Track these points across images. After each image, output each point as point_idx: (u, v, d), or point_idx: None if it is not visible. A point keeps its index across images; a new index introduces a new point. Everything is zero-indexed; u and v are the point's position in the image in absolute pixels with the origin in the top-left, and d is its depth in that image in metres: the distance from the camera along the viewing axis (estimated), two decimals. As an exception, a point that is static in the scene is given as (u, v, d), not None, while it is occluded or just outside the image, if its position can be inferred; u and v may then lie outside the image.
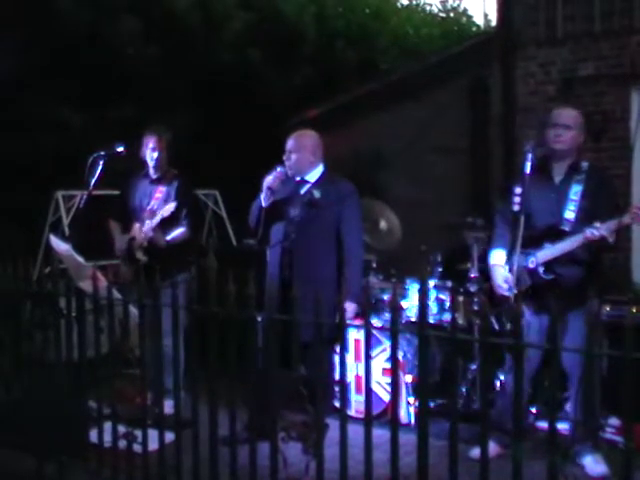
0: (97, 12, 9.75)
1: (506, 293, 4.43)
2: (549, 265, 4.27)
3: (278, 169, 4.82)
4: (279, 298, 4.66)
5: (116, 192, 5.85)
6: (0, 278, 4.34)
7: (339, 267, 4.81)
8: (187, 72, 10.29)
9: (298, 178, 4.93)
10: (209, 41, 10.74)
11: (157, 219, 5.25)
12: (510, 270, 4.36)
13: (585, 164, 4.42)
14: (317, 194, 4.81)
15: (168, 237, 5.33)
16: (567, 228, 4.28)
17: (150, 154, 5.48)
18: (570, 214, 4.31)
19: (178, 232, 5.36)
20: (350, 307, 4.61)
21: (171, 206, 5.21)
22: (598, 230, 4.01)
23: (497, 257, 4.57)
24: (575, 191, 4.33)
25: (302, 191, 4.92)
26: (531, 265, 4.36)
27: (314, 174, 4.94)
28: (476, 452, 4.07)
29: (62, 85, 9.30)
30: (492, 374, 5.18)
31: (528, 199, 4.36)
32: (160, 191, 5.47)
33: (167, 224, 5.30)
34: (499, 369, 5.22)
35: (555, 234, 4.27)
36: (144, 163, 5.56)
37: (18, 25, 9.04)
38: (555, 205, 4.36)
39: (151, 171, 5.54)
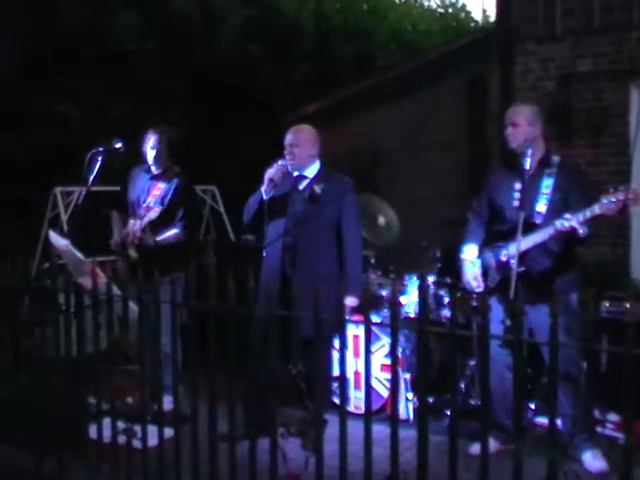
0: (96, 8, 9.73)
1: (476, 289, 4.57)
2: (520, 257, 4.29)
3: (280, 162, 4.82)
4: (280, 294, 4.64)
5: (115, 188, 5.84)
6: (-1, 274, 4.34)
7: (339, 262, 4.81)
8: (186, 68, 10.28)
9: (296, 173, 4.93)
10: (208, 37, 10.73)
11: (145, 220, 5.24)
12: (486, 264, 4.50)
13: (556, 158, 4.48)
14: (318, 189, 4.81)
15: (159, 237, 5.30)
16: (538, 221, 4.34)
17: (150, 151, 5.48)
18: (542, 207, 4.37)
19: (170, 233, 5.33)
20: (352, 302, 4.61)
21: (156, 210, 5.21)
22: (568, 221, 4.06)
23: (468, 252, 4.67)
24: (546, 184, 4.39)
25: (301, 187, 4.92)
26: (503, 258, 4.43)
27: (312, 169, 4.94)
28: (475, 448, 4.09)
29: (61, 81, 9.29)
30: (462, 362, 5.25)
31: (497, 193, 4.54)
32: (158, 188, 5.46)
33: (159, 224, 5.29)
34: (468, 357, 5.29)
35: (527, 227, 4.29)
36: (146, 159, 5.57)
37: (18, 21, 9.02)
38: (526, 198, 4.40)
39: (152, 167, 5.55)
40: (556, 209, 4.28)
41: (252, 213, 4.92)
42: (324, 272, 4.62)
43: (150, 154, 5.48)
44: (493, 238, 4.58)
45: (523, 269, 4.28)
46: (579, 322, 4.16)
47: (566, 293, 4.29)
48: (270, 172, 4.79)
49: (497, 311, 4.20)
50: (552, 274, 4.34)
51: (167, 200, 5.33)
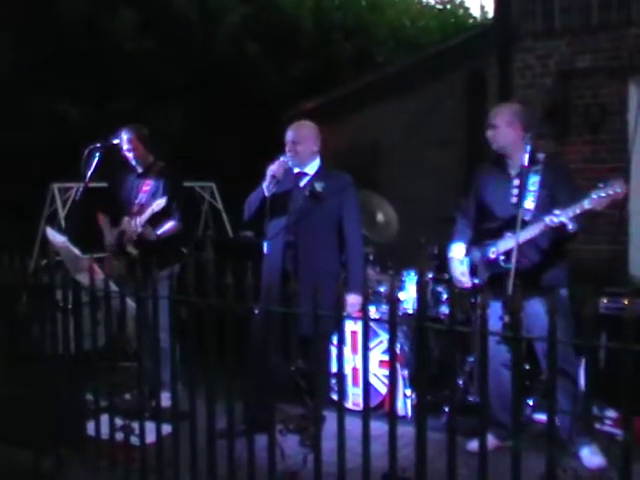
0: (95, 6, 9.72)
1: (465, 285, 4.62)
2: (509, 254, 4.30)
3: (281, 158, 4.80)
4: (281, 291, 4.63)
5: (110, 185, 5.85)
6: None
7: (340, 259, 4.81)
8: (185, 65, 10.27)
9: (297, 170, 4.92)
10: (207, 34, 10.72)
11: (147, 214, 5.24)
12: (490, 259, 4.50)
13: (541, 155, 4.48)
14: (319, 186, 4.79)
15: (159, 231, 5.31)
16: (527, 217, 4.33)
17: (127, 153, 5.52)
18: (529, 204, 4.37)
19: (169, 226, 5.35)
20: (356, 299, 4.60)
21: (162, 201, 5.20)
22: (557, 217, 4.06)
23: (456, 250, 4.71)
24: (533, 181, 4.40)
25: (302, 184, 4.91)
26: (492, 255, 4.45)
27: (312, 166, 4.93)
28: (473, 445, 4.09)
29: (59, 78, 9.28)
30: (460, 359, 5.25)
31: (486, 192, 4.58)
32: (147, 184, 5.47)
33: (157, 218, 5.29)
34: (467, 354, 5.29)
35: (515, 224, 4.29)
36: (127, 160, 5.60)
37: (17, 19, 9.01)
38: (514, 196, 4.42)
39: (136, 167, 5.57)
40: (544, 205, 4.29)
41: (253, 209, 4.90)
42: (325, 269, 4.60)
43: (129, 156, 5.51)
44: (481, 236, 4.60)
45: (511, 266, 4.29)
46: (568, 317, 4.18)
47: (556, 288, 4.29)
48: (272, 168, 4.77)
49: (494, 308, 4.21)
50: (541, 269, 4.37)
51: (159, 195, 5.33)
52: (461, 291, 4.83)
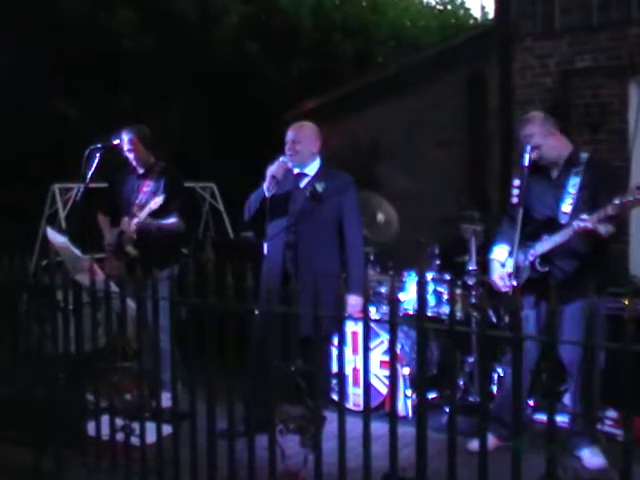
0: (94, 5, 9.72)
1: (502, 289, 4.49)
2: (545, 258, 4.28)
3: (281, 159, 4.80)
4: (281, 292, 4.63)
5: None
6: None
7: (341, 260, 4.81)
8: (184, 65, 10.27)
9: (297, 171, 4.91)
10: (206, 34, 10.71)
11: (145, 212, 5.23)
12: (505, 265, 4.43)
13: (584, 155, 4.40)
14: (319, 187, 4.78)
15: (160, 222, 5.30)
16: (564, 221, 4.28)
17: (128, 154, 5.52)
18: (567, 207, 4.31)
19: (170, 221, 5.35)
20: (356, 300, 4.59)
21: (159, 199, 5.20)
22: (584, 222, 4.01)
23: (497, 252, 4.62)
24: (573, 184, 4.33)
25: (302, 185, 4.90)
26: (530, 258, 4.38)
27: (313, 167, 4.93)
28: (474, 444, 4.09)
29: (59, 78, 9.27)
30: (490, 367, 5.19)
31: (528, 194, 4.40)
32: (147, 184, 5.47)
33: (157, 217, 5.28)
34: (496, 362, 5.24)
35: (553, 227, 4.27)
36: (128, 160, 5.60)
37: (16, 18, 9.01)
38: (553, 198, 4.37)
39: (137, 167, 5.57)
40: (582, 208, 4.18)
41: (253, 210, 4.89)
42: (325, 269, 4.59)
43: (129, 156, 5.51)
44: (525, 239, 4.44)
45: (547, 269, 4.27)
46: (603, 325, 4.15)
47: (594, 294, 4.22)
48: (272, 169, 4.77)
49: (529, 316, 4.20)
50: (579, 275, 4.27)
51: (161, 193, 5.32)
52: (497, 294, 4.72)
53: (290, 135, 4.90)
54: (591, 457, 4.31)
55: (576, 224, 4.06)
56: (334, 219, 4.83)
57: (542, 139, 4.37)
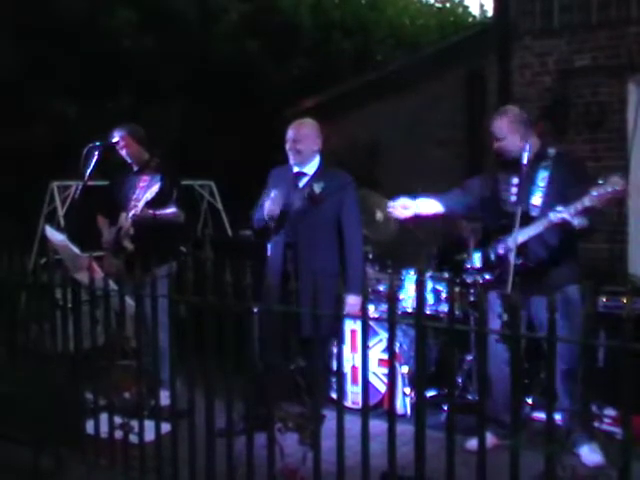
0: (94, 4, 9.71)
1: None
2: (519, 250, 4.29)
3: (272, 194, 4.78)
4: (281, 292, 4.62)
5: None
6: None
7: (340, 259, 4.80)
8: (184, 64, 10.26)
9: (296, 169, 4.90)
10: (206, 33, 10.71)
11: (142, 202, 5.22)
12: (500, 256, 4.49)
13: (552, 150, 4.49)
14: (317, 188, 4.76)
15: (157, 212, 5.29)
16: (534, 213, 4.34)
17: (121, 152, 5.56)
18: (537, 200, 4.38)
19: (169, 211, 5.35)
20: (355, 300, 4.59)
21: (155, 187, 5.18)
22: (560, 213, 4.07)
23: (422, 200, 4.85)
24: (542, 177, 4.40)
25: (301, 184, 4.89)
26: (501, 251, 4.44)
27: (312, 166, 4.90)
28: (472, 443, 4.10)
29: (58, 76, 9.27)
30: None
31: (498, 187, 4.55)
32: (144, 180, 5.46)
33: (154, 208, 5.27)
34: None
35: (523, 220, 4.28)
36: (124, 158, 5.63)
37: (16, 17, 9.00)
38: (522, 192, 4.40)
39: (132, 165, 5.60)
40: (552, 201, 4.26)
41: (258, 228, 4.97)
42: (325, 269, 4.58)
43: (122, 153, 5.55)
44: (495, 232, 4.56)
45: (521, 262, 4.29)
46: (579, 315, 4.16)
47: (565, 285, 4.29)
48: (270, 210, 4.75)
49: (496, 305, 4.21)
50: (550, 266, 4.35)
51: (157, 191, 5.31)
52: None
53: (291, 134, 4.87)
54: (589, 454, 4.31)
55: (553, 215, 4.11)
56: (333, 218, 4.82)
57: (507, 134, 4.46)
